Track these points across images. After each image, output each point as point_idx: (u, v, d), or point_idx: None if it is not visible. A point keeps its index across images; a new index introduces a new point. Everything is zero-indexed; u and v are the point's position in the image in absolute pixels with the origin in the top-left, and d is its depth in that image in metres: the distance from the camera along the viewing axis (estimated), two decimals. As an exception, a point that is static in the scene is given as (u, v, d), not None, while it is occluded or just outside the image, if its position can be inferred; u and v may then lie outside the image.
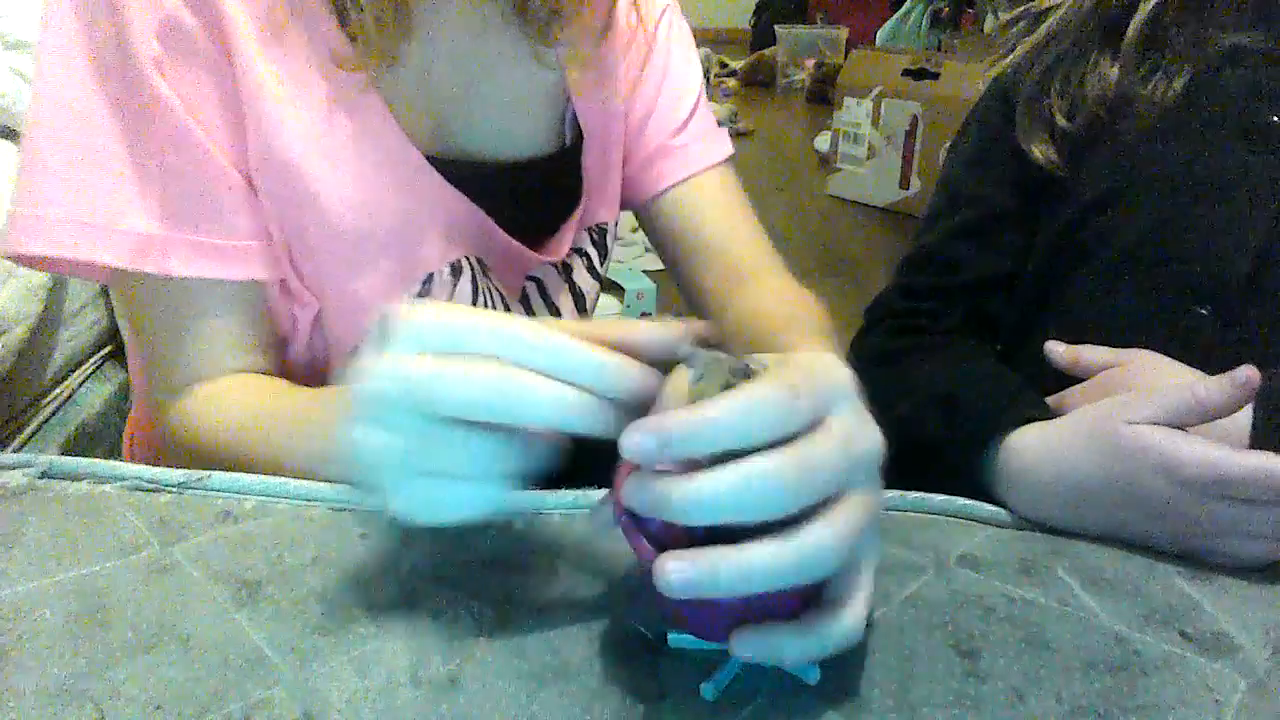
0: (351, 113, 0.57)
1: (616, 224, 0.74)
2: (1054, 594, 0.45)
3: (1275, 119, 0.60)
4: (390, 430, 0.35)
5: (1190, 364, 0.55)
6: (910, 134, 2.99)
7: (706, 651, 0.39)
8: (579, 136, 0.68)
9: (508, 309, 0.66)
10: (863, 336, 0.77)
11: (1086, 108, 0.65)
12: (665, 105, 0.73)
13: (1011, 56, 0.70)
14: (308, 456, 0.49)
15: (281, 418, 0.53)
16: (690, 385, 0.34)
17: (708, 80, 4.41)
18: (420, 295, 0.61)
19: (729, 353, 0.35)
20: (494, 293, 0.65)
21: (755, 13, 5.85)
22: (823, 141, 3.65)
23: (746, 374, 0.34)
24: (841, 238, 2.97)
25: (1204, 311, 0.59)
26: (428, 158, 0.60)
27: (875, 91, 3.05)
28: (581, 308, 0.72)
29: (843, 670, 0.39)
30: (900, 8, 4.33)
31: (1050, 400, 0.59)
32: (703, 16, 6.32)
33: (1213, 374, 0.51)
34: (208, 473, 0.50)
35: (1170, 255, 0.61)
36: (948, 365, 0.65)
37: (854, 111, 3.12)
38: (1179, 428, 0.47)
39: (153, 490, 0.49)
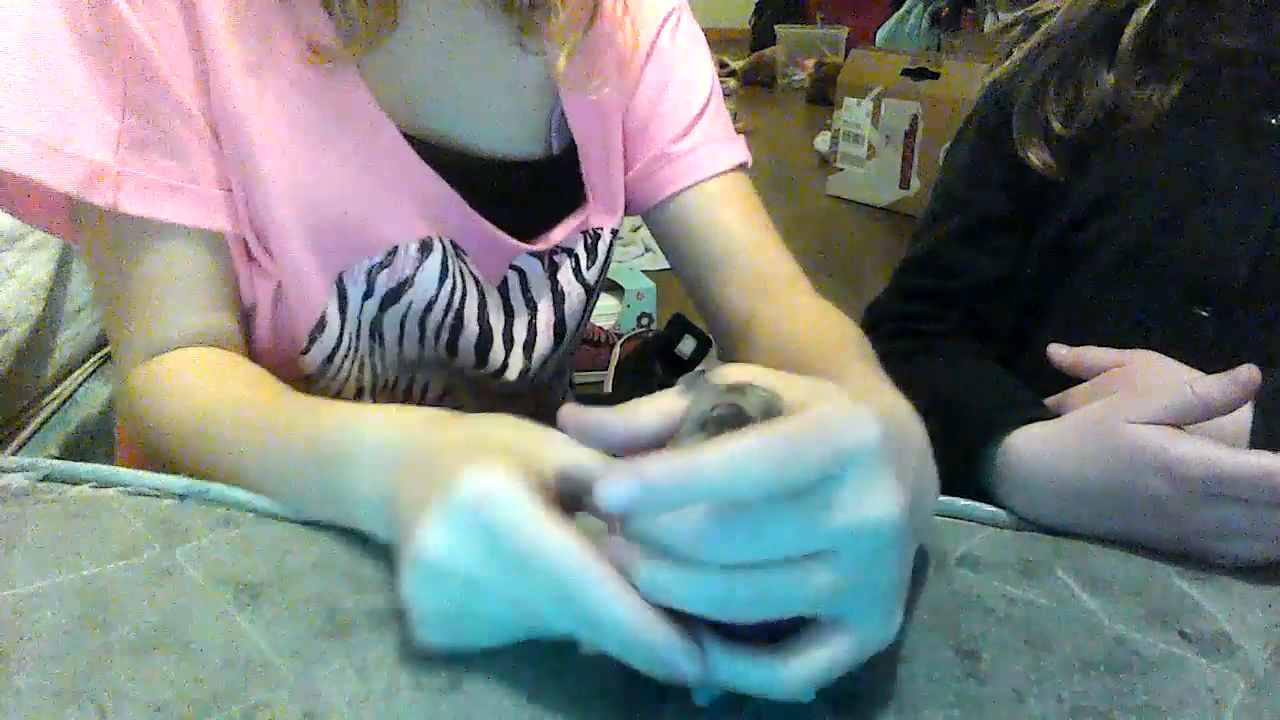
0: (324, 78, 0.57)
1: (615, 233, 0.72)
2: (1054, 594, 0.45)
3: (1274, 121, 0.60)
4: (438, 594, 0.35)
5: (1190, 365, 0.55)
6: (910, 134, 2.98)
7: None
8: (572, 144, 0.67)
9: (482, 294, 0.66)
10: None
11: (1083, 113, 0.65)
12: (669, 109, 0.71)
13: (1008, 61, 0.70)
14: (284, 482, 0.47)
15: (256, 424, 0.49)
16: (684, 420, 0.33)
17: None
18: (382, 266, 0.60)
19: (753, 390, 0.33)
20: (468, 277, 0.65)
21: (755, 12, 5.85)
22: (822, 141, 3.65)
23: (768, 409, 0.32)
24: (841, 238, 2.97)
25: (1203, 313, 0.60)
26: (408, 137, 0.60)
27: (875, 91, 3.05)
28: (560, 308, 0.70)
29: (843, 671, 0.39)
30: (900, 7, 4.33)
31: (1051, 400, 0.59)
32: (703, 16, 6.29)
33: (1212, 375, 0.51)
34: (208, 485, 0.50)
35: (1169, 257, 0.61)
36: (947, 367, 0.65)
37: (854, 111, 3.12)
38: (1178, 427, 0.47)
39: (154, 497, 0.49)
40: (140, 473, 0.50)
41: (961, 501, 0.52)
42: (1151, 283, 0.62)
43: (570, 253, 0.70)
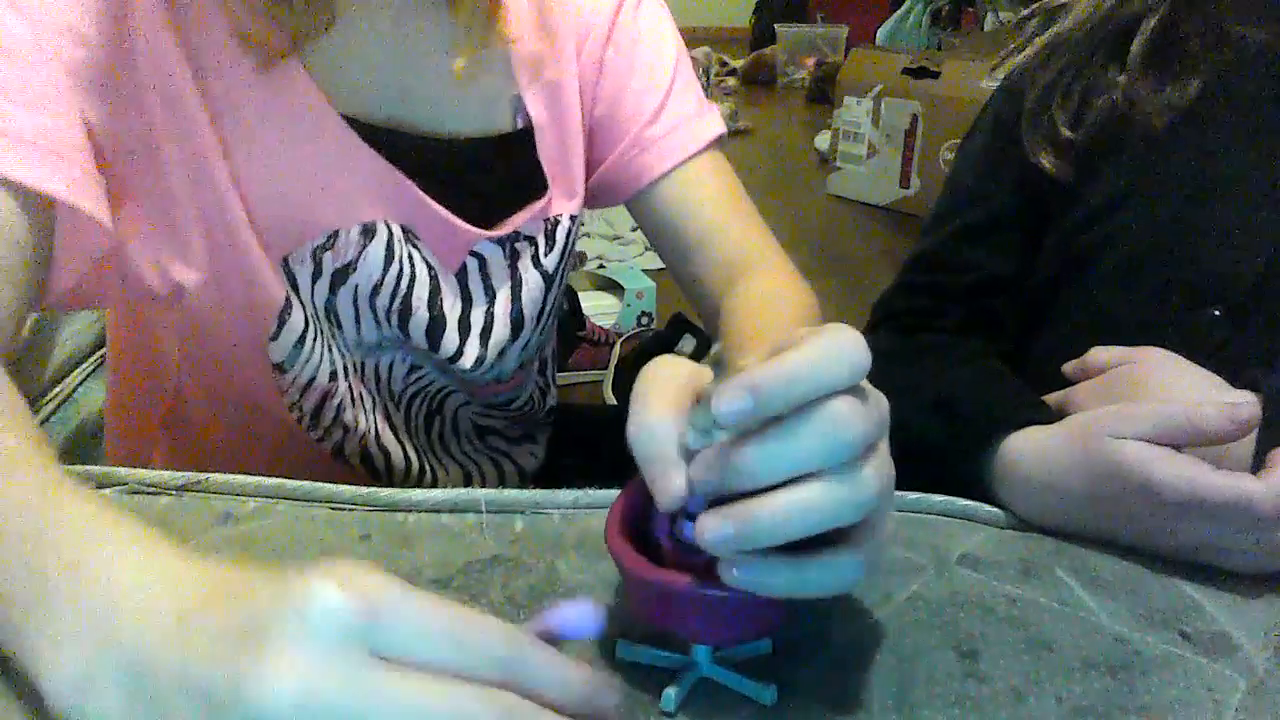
0: (262, 67, 0.56)
1: (576, 220, 0.71)
2: (1054, 594, 0.45)
3: None
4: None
5: (1202, 366, 0.54)
6: (910, 133, 2.98)
7: (660, 662, 0.39)
8: (530, 123, 0.67)
9: (435, 280, 0.65)
10: (866, 335, 0.77)
11: (1092, 117, 0.65)
12: (637, 93, 0.70)
13: (1021, 56, 0.69)
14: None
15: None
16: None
17: (707, 79, 4.41)
18: (323, 249, 0.60)
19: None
20: (420, 262, 0.64)
21: (755, 11, 5.84)
22: (823, 140, 3.65)
23: None
24: (841, 237, 2.97)
25: (1215, 313, 0.59)
26: (356, 121, 0.59)
27: (875, 90, 3.05)
28: (518, 295, 0.69)
29: (843, 670, 0.39)
30: (900, 6, 4.32)
31: (1053, 398, 0.59)
32: (703, 15, 6.31)
33: (1223, 375, 0.51)
34: (205, 475, 0.50)
35: (1181, 256, 0.61)
36: (950, 366, 0.65)
37: (854, 110, 3.12)
38: (1174, 447, 0.46)
39: (152, 493, 0.49)
40: (138, 470, 0.50)
41: (961, 501, 0.52)
42: (1162, 282, 0.62)
43: (530, 240, 0.69)
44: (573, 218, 0.70)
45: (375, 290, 0.63)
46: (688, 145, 0.71)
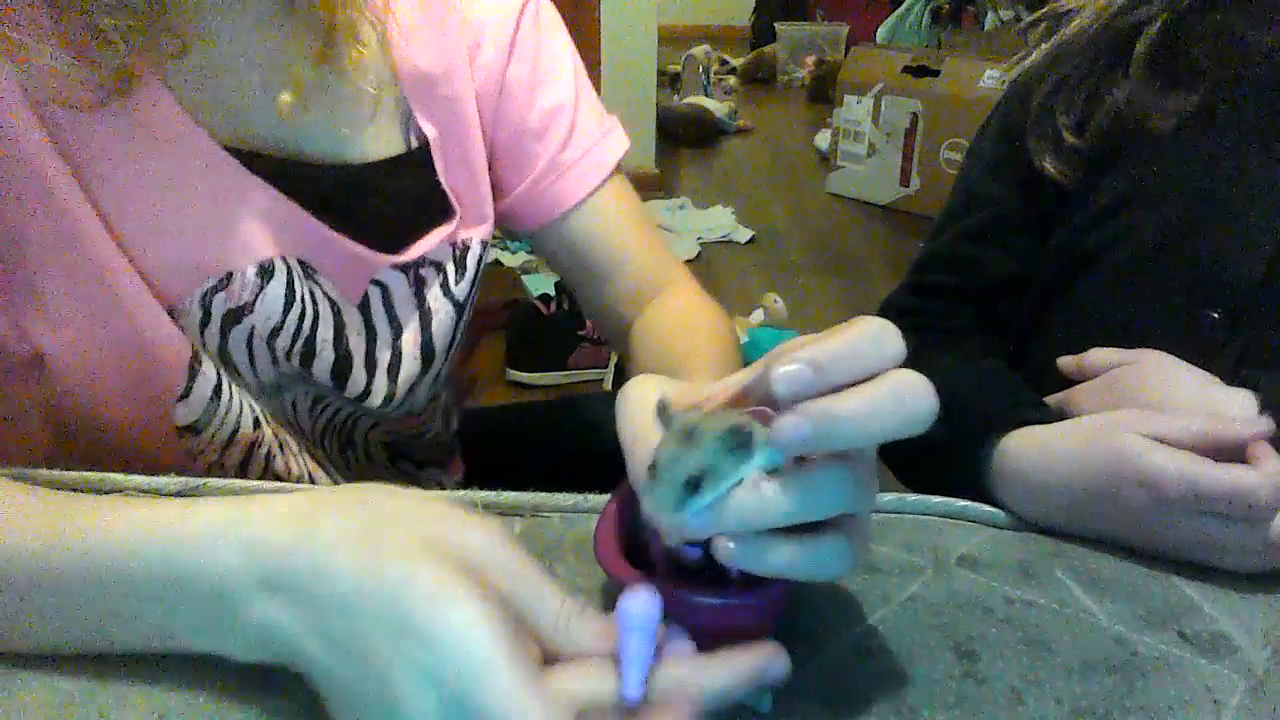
0: (127, 103, 0.50)
1: (487, 245, 0.67)
2: (1053, 595, 0.45)
3: None
4: None
5: (1199, 367, 0.54)
6: (910, 131, 2.98)
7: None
8: (427, 143, 0.63)
9: (339, 316, 0.61)
10: None
11: (1096, 122, 0.65)
12: (542, 112, 0.67)
13: (1028, 61, 0.70)
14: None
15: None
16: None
17: (707, 77, 4.41)
18: (215, 291, 0.55)
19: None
20: (321, 299, 0.59)
21: (755, 10, 5.84)
22: (823, 139, 3.65)
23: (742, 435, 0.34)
24: (841, 235, 2.97)
25: (1214, 315, 0.59)
26: (236, 151, 0.54)
27: (875, 89, 3.05)
28: (428, 328, 0.65)
29: (842, 671, 0.39)
30: (900, 5, 4.32)
31: (1057, 397, 0.59)
32: (703, 13, 6.30)
33: (1220, 376, 0.51)
34: (203, 479, 0.49)
35: (1182, 259, 0.61)
36: (951, 366, 0.65)
37: (854, 109, 3.12)
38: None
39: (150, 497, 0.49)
40: (134, 476, 0.50)
41: (961, 502, 0.52)
42: (1163, 284, 0.62)
43: (439, 267, 0.64)
44: (483, 242, 0.67)
45: (274, 332, 0.58)
46: (601, 168, 0.69)
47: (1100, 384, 0.57)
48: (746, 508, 0.34)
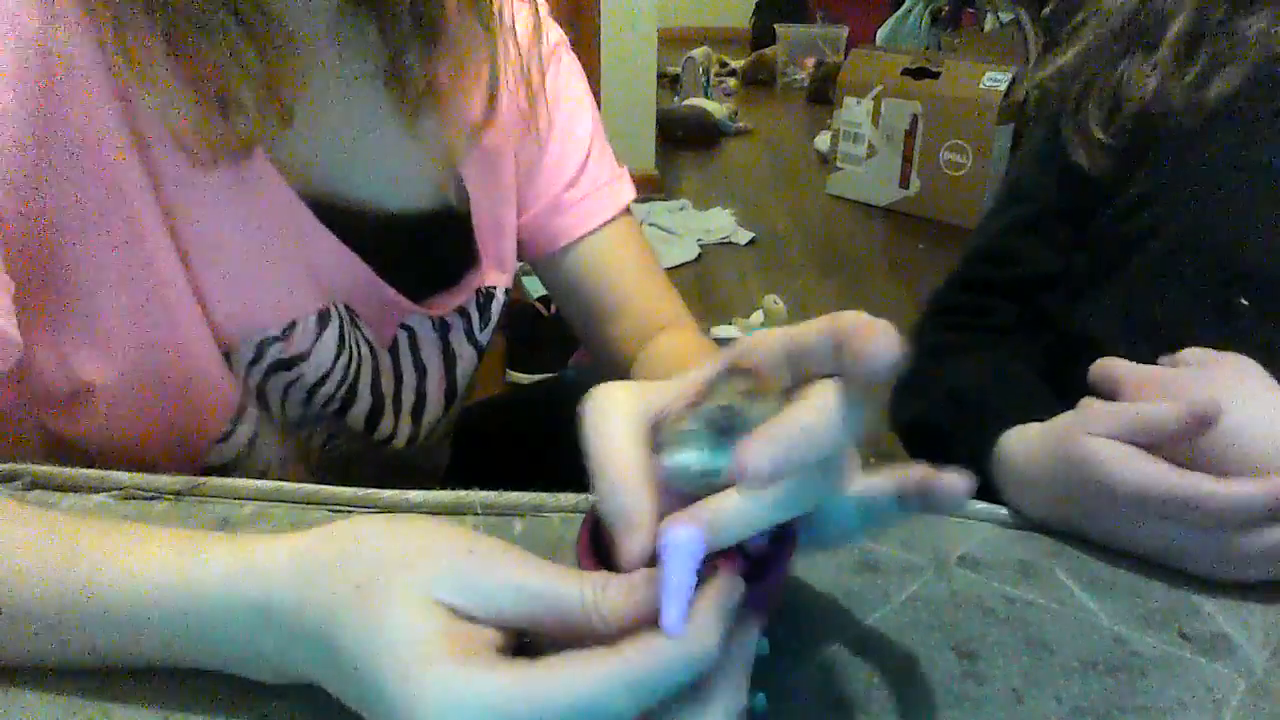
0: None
1: (508, 292, 0.69)
2: (1053, 595, 0.45)
3: None
4: None
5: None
6: (910, 133, 2.98)
7: None
8: (467, 196, 0.65)
9: (375, 360, 0.62)
10: (920, 328, 0.77)
11: (1124, 116, 0.65)
12: (557, 154, 0.69)
13: (1064, 57, 0.70)
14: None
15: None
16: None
17: (707, 79, 4.41)
18: (279, 340, 0.56)
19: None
20: (362, 343, 0.61)
21: (755, 11, 5.84)
22: (822, 141, 3.65)
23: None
24: (841, 237, 2.97)
25: (1243, 302, 0.59)
26: (305, 200, 0.56)
27: (875, 91, 3.05)
28: (452, 371, 0.67)
29: (842, 671, 0.39)
30: (900, 7, 4.32)
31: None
32: (702, 15, 6.31)
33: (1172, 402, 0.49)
34: (203, 479, 0.49)
35: (1210, 249, 0.62)
36: (974, 365, 0.65)
37: (854, 111, 3.12)
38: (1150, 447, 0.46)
39: (149, 498, 0.49)
40: (135, 475, 0.50)
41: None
42: (1192, 274, 0.63)
43: (463, 313, 0.67)
44: (506, 290, 0.69)
45: (322, 379, 0.59)
46: (603, 211, 0.70)
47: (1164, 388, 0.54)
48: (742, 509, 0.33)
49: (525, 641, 0.33)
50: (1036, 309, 0.73)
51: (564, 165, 0.69)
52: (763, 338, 0.35)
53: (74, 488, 0.49)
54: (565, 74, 0.71)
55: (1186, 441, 0.45)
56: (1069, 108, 0.69)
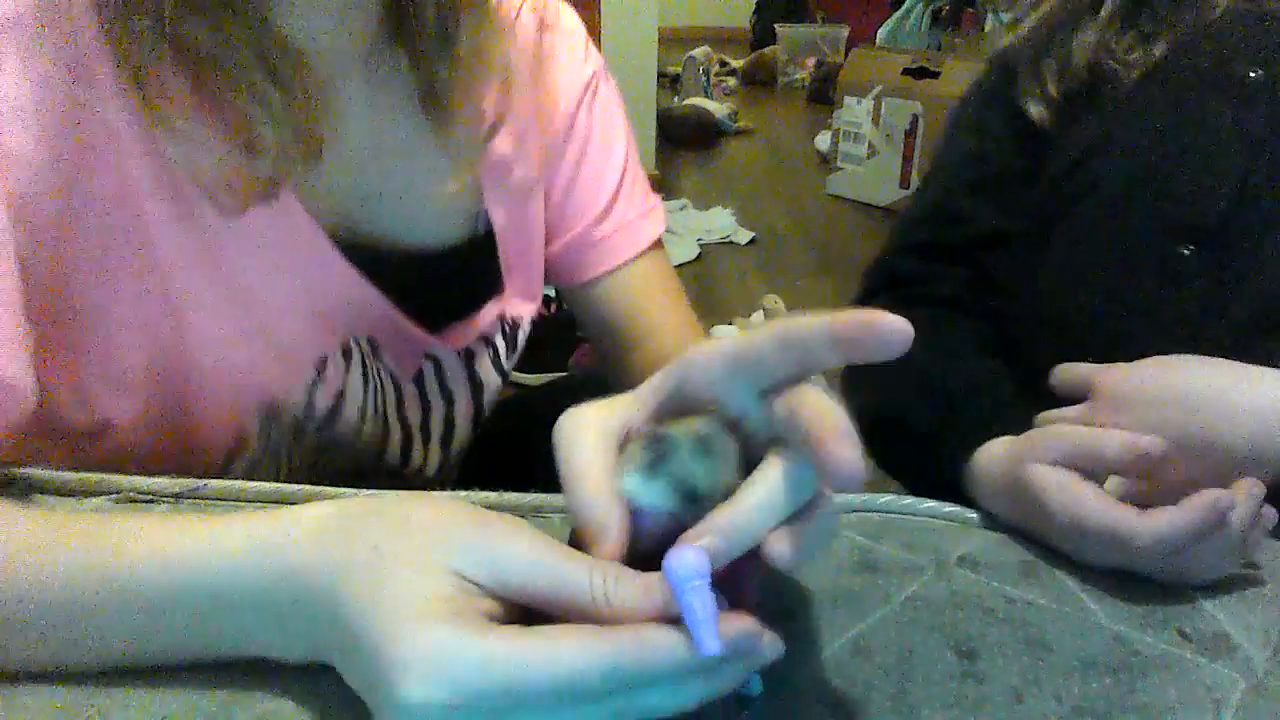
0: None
1: (533, 321, 0.70)
2: (1053, 595, 0.45)
3: (1251, 74, 0.62)
4: None
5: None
6: (910, 133, 2.98)
7: None
8: (492, 228, 0.64)
9: (399, 390, 0.62)
10: (864, 302, 0.76)
11: (1074, 71, 0.68)
12: (588, 188, 0.69)
13: (1021, 30, 0.73)
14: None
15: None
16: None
17: (707, 79, 4.41)
18: (315, 385, 0.57)
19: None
20: (385, 374, 0.61)
21: (755, 11, 5.84)
22: (823, 140, 3.65)
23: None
24: (841, 237, 2.97)
25: (1185, 251, 0.61)
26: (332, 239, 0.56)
27: (876, 90, 3.05)
28: (479, 399, 0.67)
29: (842, 670, 0.39)
30: (901, 7, 4.32)
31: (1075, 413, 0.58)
32: (703, 15, 6.31)
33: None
34: (203, 481, 0.49)
35: (1152, 200, 0.64)
36: (943, 359, 0.65)
37: (854, 110, 3.12)
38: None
39: (148, 501, 0.48)
40: (134, 478, 0.49)
41: (954, 506, 0.52)
42: (1134, 226, 0.65)
43: (488, 341, 0.66)
44: (533, 320, 0.69)
45: (362, 417, 0.60)
46: (633, 246, 0.70)
47: (1118, 398, 0.54)
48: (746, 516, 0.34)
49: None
50: (983, 273, 0.73)
51: (595, 199, 0.69)
52: (704, 350, 0.37)
53: (70, 491, 0.48)
54: (601, 104, 0.70)
55: (1136, 469, 0.46)
56: (1026, 66, 0.71)
